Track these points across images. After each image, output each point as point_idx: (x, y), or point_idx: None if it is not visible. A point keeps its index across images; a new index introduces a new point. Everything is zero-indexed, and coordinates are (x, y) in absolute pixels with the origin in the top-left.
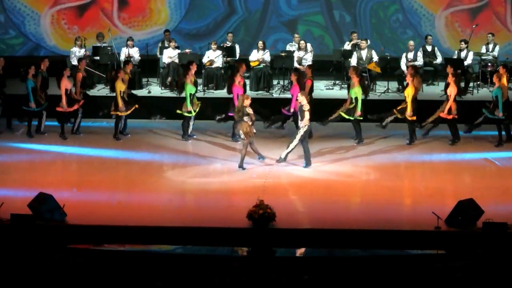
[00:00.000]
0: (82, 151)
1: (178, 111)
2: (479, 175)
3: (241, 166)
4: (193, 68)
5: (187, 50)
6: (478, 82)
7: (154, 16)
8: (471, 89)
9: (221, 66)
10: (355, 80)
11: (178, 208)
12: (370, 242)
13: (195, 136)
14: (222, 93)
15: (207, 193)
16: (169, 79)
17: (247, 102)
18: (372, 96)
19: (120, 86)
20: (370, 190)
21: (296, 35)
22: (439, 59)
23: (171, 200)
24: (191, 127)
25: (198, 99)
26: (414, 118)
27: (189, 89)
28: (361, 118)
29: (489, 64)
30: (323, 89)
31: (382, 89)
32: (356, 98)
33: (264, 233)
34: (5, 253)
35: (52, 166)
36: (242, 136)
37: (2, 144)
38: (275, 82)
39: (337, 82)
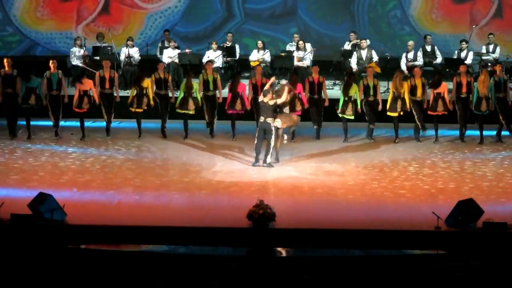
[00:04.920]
0: (82, 151)
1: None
2: (479, 175)
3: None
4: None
5: (187, 50)
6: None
7: None
8: None
9: (221, 66)
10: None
11: (178, 208)
12: (370, 242)
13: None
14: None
15: (207, 193)
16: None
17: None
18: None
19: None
20: (370, 190)
21: (295, 35)
22: (439, 59)
23: (171, 200)
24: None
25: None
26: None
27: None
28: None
29: (489, 64)
30: None
31: (382, 89)
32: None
33: (264, 233)
34: (5, 253)
35: (52, 166)
36: (288, 125)
37: (2, 144)
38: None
39: (337, 82)
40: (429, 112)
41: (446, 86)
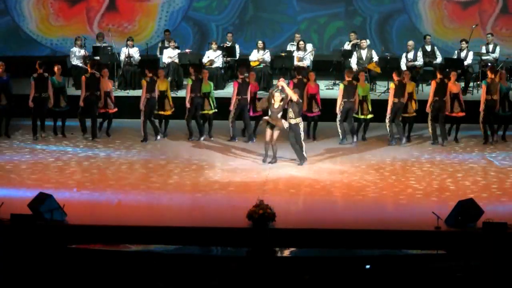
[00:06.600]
0: (82, 151)
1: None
2: (479, 175)
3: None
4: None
5: (187, 50)
6: (478, 82)
7: (138, 29)
8: (471, 89)
9: (221, 66)
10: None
11: (178, 208)
12: (370, 242)
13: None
14: (222, 93)
15: (207, 193)
16: (169, 79)
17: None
18: (372, 96)
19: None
20: (370, 190)
21: (297, 35)
22: (439, 59)
23: (171, 200)
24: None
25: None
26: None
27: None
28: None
29: (489, 64)
30: (323, 89)
31: (382, 89)
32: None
33: (264, 233)
34: (5, 253)
35: (52, 166)
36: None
37: (2, 144)
38: (275, 82)
39: (337, 82)
40: (447, 114)
41: (460, 86)
